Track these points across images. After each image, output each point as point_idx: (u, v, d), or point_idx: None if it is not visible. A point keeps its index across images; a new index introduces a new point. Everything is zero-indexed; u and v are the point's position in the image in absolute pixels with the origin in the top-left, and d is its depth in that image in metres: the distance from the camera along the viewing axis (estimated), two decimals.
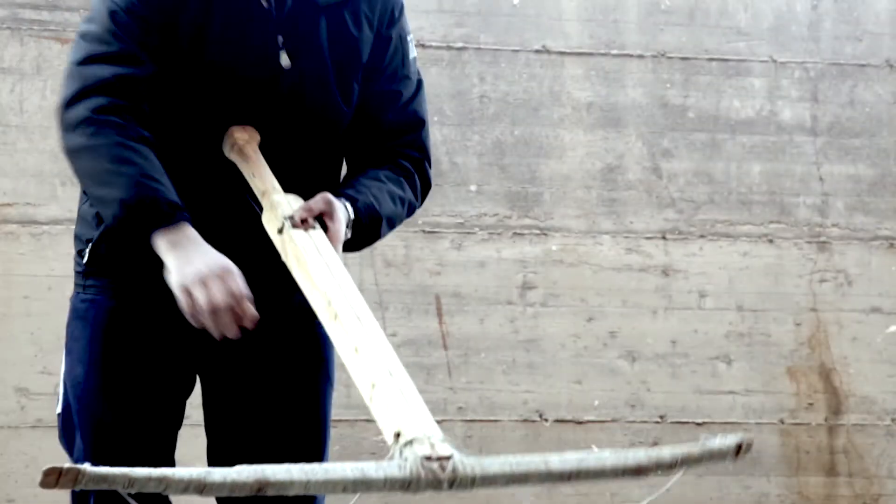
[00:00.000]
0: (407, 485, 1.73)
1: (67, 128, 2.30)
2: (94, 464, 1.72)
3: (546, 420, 4.32)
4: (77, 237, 2.50)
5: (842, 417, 4.46)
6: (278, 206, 2.26)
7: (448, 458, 1.76)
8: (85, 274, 2.47)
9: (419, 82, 2.50)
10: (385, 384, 1.94)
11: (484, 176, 4.37)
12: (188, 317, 2.20)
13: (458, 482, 1.74)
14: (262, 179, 2.32)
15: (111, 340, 2.41)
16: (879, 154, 4.57)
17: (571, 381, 4.34)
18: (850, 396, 4.47)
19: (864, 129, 4.57)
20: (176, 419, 2.48)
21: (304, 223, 2.24)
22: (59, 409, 2.46)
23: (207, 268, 2.19)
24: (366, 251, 2.67)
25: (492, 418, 4.30)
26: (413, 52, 2.50)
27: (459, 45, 4.39)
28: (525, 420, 4.31)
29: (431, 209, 4.33)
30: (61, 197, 4.12)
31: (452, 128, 4.36)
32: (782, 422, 4.44)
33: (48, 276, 4.07)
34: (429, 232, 4.33)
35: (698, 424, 4.38)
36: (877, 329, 4.50)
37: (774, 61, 4.54)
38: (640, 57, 4.49)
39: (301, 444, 2.45)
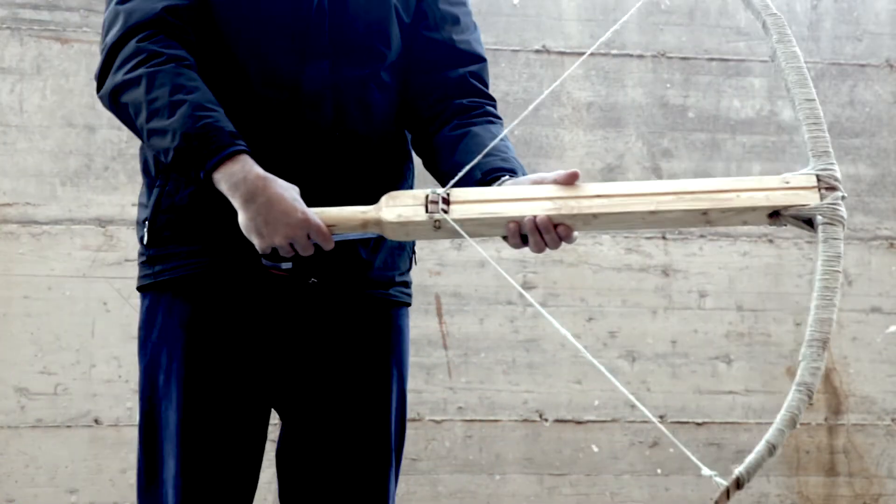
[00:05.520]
0: None
1: (118, 66, 2.27)
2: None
3: (546, 420, 4.32)
4: (137, 224, 2.41)
5: (842, 417, 4.46)
6: (404, 194, 2.20)
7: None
8: (150, 261, 2.36)
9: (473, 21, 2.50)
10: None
11: None
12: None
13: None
14: (344, 210, 2.24)
15: (193, 347, 2.33)
16: (879, 154, 4.57)
17: (571, 381, 4.33)
18: (850, 396, 4.47)
19: (864, 129, 4.57)
20: (262, 425, 2.41)
21: (445, 200, 2.17)
22: (138, 418, 2.40)
23: (274, 226, 2.16)
24: None
25: (492, 418, 4.30)
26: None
27: None
28: (525, 420, 4.31)
29: None
30: (61, 197, 4.12)
31: None
32: None
33: (48, 276, 4.07)
34: None
35: (698, 424, 4.38)
36: (877, 329, 4.50)
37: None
38: (640, 57, 4.48)
39: (367, 445, 2.43)
